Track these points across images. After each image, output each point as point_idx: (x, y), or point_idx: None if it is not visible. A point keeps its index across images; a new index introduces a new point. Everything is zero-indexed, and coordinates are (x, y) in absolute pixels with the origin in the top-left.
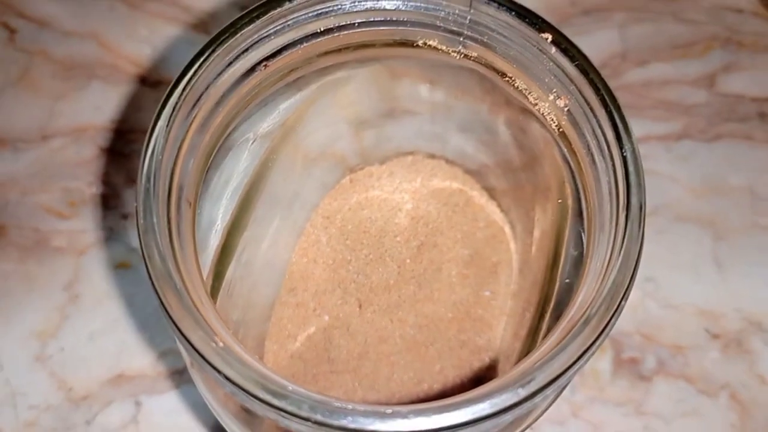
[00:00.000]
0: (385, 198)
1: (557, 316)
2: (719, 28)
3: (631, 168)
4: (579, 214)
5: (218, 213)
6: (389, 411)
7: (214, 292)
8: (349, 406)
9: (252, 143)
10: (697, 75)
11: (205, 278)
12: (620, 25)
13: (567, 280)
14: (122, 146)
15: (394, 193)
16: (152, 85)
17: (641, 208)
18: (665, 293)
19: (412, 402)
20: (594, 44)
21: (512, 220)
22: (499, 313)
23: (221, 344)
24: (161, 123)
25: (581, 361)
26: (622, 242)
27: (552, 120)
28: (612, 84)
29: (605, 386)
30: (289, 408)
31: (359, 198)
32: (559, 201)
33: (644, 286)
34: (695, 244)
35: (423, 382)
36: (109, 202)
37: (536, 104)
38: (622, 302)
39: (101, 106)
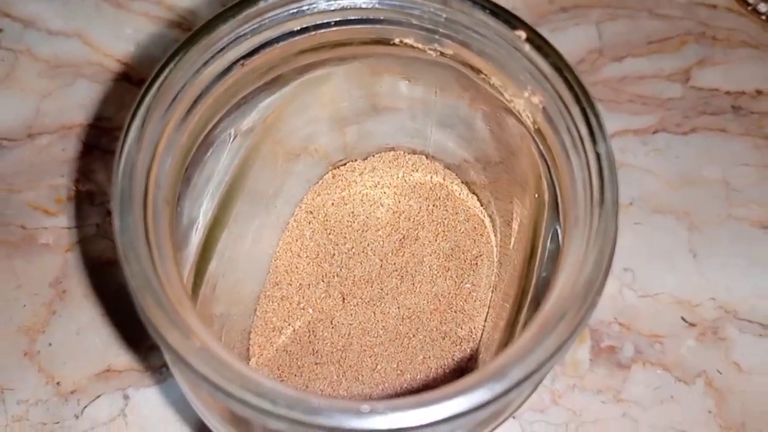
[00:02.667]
0: (367, 193)
1: (535, 309)
2: (694, 23)
3: (604, 164)
4: (555, 209)
5: (199, 210)
6: (366, 409)
7: (195, 289)
8: (326, 404)
9: (232, 141)
10: (672, 69)
11: (186, 275)
12: (597, 21)
13: (544, 274)
14: (108, 144)
15: (376, 188)
16: (138, 83)
17: (615, 204)
18: (642, 283)
19: (396, 392)
20: (571, 40)
21: (492, 213)
22: (480, 304)
23: (198, 344)
24: (136, 122)
25: (556, 356)
26: (596, 238)
27: (528, 116)
28: (589, 79)
29: (585, 374)
30: (266, 406)
31: (342, 193)
32: (536, 196)
33: (622, 277)
34: (671, 235)
35: (406, 373)
36: (95, 198)
37: (512, 101)
38: (596, 297)
39: (87, 104)
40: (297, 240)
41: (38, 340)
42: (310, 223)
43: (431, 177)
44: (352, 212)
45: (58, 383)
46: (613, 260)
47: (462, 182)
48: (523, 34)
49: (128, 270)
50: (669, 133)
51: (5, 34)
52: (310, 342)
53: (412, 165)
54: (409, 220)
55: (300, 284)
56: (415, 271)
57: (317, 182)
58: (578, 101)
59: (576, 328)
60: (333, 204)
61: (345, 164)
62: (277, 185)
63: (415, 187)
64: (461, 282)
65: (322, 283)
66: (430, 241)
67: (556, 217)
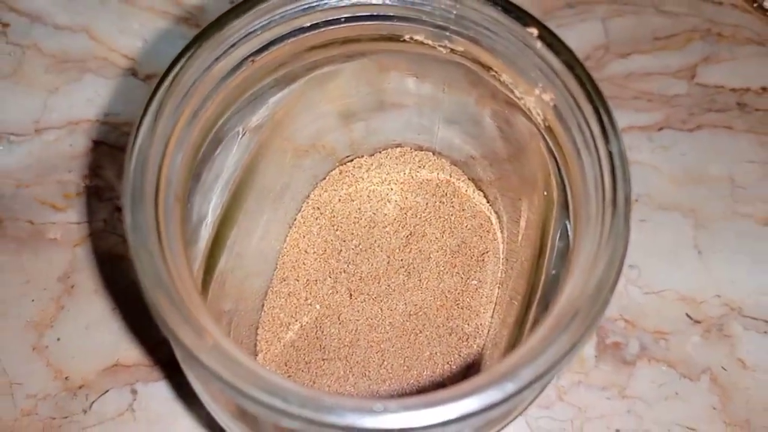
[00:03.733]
0: (374, 189)
1: (544, 307)
2: (699, 20)
3: (617, 163)
4: (565, 206)
5: (209, 206)
6: (380, 408)
7: (205, 284)
8: (339, 402)
9: (241, 137)
10: (678, 66)
11: (196, 271)
12: (603, 17)
13: (553, 271)
14: (115, 139)
15: (383, 185)
16: (144, 78)
17: (627, 204)
18: (648, 280)
19: (403, 388)
20: (577, 36)
21: (499, 210)
22: (486, 301)
23: (210, 341)
24: (148, 118)
25: (568, 357)
26: (609, 237)
27: (538, 114)
28: (595, 76)
29: (590, 370)
30: (278, 404)
31: (349, 189)
32: (545, 193)
33: (627, 273)
34: (677, 231)
35: (413, 369)
36: (103, 194)
37: (522, 98)
38: (608, 297)
39: (94, 99)
40: (304, 236)
41: (46, 334)
42: (317, 219)
43: (438, 174)
44: (359, 209)
45: (66, 378)
46: None
47: (469, 179)
48: (534, 31)
49: (140, 267)
50: (674, 130)
51: (12, 29)
52: (317, 338)
53: (419, 161)
54: (416, 216)
55: (307, 280)
56: (422, 268)
57: (324, 178)
58: (590, 99)
59: (588, 329)
60: (340, 200)
61: (352, 160)
62: (285, 181)
63: (421, 183)
64: (468, 278)
65: (329, 279)
66: (436, 238)
67: (565, 214)
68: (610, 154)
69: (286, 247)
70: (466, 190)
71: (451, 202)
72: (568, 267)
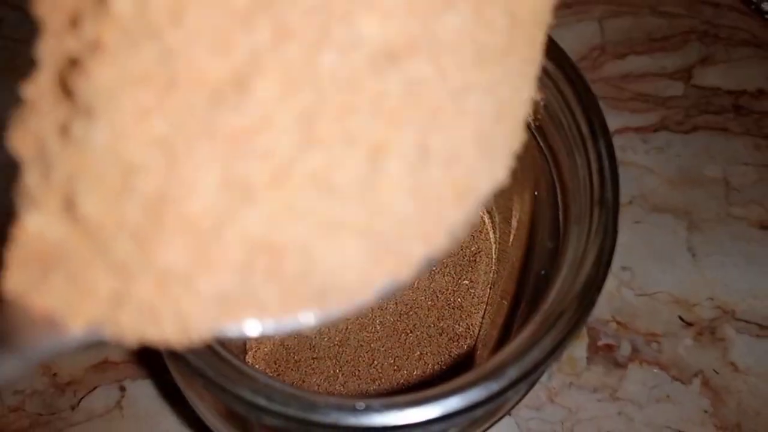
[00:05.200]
0: None
1: (533, 307)
2: (696, 21)
3: (605, 163)
4: (555, 206)
5: None
6: (362, 406)
7: None
8: (322, 401)
9: None
10: (674, 68)
11: None
12: (600, 18)
13: (543, 272)
14: None
15: None
16: None
17: (615, 202)
18: (641, 282)
19: (393, 388)
20: (573, 37)
21: (491, 210)
22: (477, 301)
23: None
24: None
25: (554, 356)
26: (596, 236)
27: (529, 113)
28: (591, 76)
29: (581, 372)
30: (261, 402)
31: None
32: (535, 193)
33: (620, 275)
34: (670, 233)
35: (403, 369)
36: None
37: None
38: (595, 296)
39: None
40: None
41: None
42: None
43: None
44: None
45: (54, 374)
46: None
47: None
48: None
49: None
50: (670, 132)
51: (5, 23)
52: (307, 336)
53: None
54: None
55: None
56: None
57: None
58: (580, 99)
59: (574, 328)
60: None
61: None
62: None
63: None
64: (459, 278)
65: None
66: None
67: (555, 215)
68: (598, 154)
69: None
70: None
71: None
72: (557, 266)
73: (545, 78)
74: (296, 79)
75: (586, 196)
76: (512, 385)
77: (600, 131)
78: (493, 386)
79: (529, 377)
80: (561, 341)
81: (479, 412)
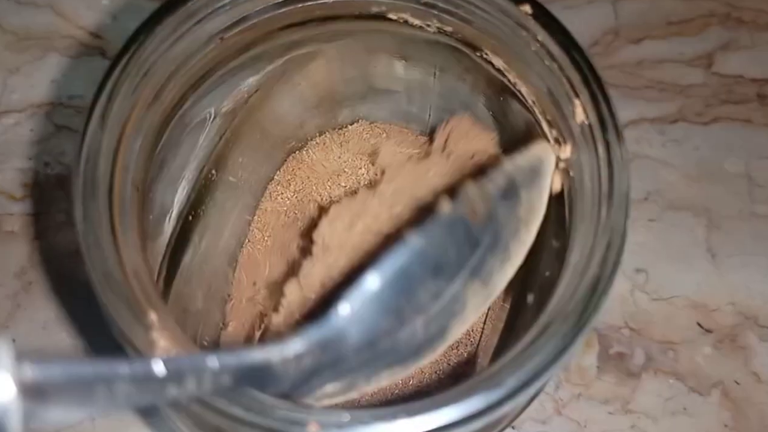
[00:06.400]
0: (357, 172)
1: (537, 311)
2: (718, 3)
3: (614, 154)
4: (561, 202)
5: (174, 197)
6: (347, 417)
7: (168, 281)
8: (304, 412)
9: (211, 121)
10: (693, 54)
11: (157, 267)
12: None
13: (547, 273)
14: (80, 123)
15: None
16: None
17: (624, 196)
18: (656, 285)
19: (388, 398)
20: (585, 20)
21: None
22: None
23: (162, 344)
24: (101, 100)
25: (557, 364)
26: (604, 233)
27: (533, 101)
28: (603, 62)
29: (591, 382)
30: (238, 413)
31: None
32: None
33: (634, 278)
34: (688, 232)
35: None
36: (65, 183)
37: (516, 83)
38: (603, 298)
39: (58, 80)
40: (262, 231)
41: (1, 334)
42: (295, 210)
43: None
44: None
45: None
46: (624, 259)
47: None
48: (528, 8)
49: (89, 262)
50: (689, 123)
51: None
52: None
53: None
54: None
55: (267, 281)
56: None
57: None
58: (587, 84)
59: (579, 333)
60: (321, 188)
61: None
62: (260, 172)
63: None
64: None
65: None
66: None
67: (561, 212)
68: (607, 144)
69: (245, 245)
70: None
71: None
72: (562, 267)
73: (550, 61)
74: None
75: (594, 189)
76: (511, 395)
77: (609, 119)
78: (491, 396)
79: (529, 386)
80: (564, 348)
81: (476, 424)
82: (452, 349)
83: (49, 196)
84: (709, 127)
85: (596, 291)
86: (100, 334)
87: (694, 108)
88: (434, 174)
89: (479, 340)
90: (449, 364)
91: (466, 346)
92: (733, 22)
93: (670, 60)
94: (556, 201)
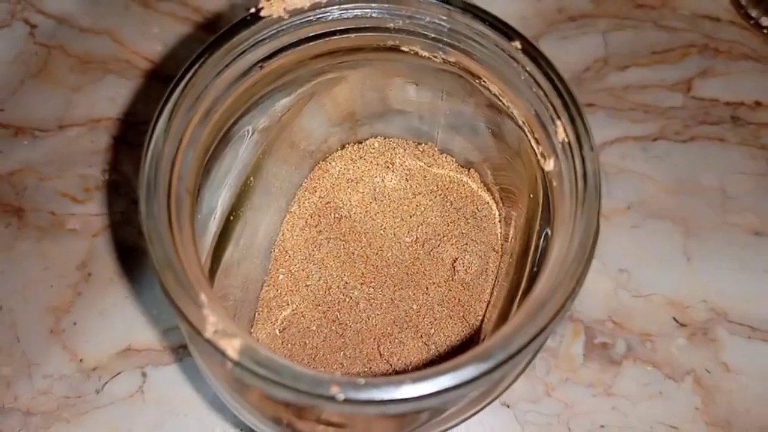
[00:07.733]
0: (374, 180)
1: (525, 299)
2: (697, 35)
3: (588, 166)
4: (548, 208)
5: (218, 201)
6: (362, 381)
7: (212, 273)
8: (327, 377)
9: (250, 137)
10: (674, 79)
11: (204, 260)
12: (604, 31)
13: (535, 269)
14: (133, 137)
15: (379, 176)
16: (163, 80)
17: (596, 199)
18: (637, 284)
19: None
20: (578, 49)
21: (500, 207)
22: (482, 293)
23: (212, 319)
24: (163, 117)
25: (536, 341)
26: (578, 230)
27: (523, 121)
28: (593, 86)
29: (577, 368)
30: (272, 377)
31: (350, 180)
32: (531, 196)
33: (617, 277)
34: (667, 238)
35: (422, 348)
36: (120, 188)
37: (509, 106)
38: (576, 287)
39: (115, 98)
40: (294, 229)
41: (63, 319)
42: (320, 214)
43: (441, 169)
44: (362, 200)
45: (81, 360)
46: (609, 261)
47: (472, 177)
48: (518, 44)
49: (153, 251)
50: (669, 141)
51: (39, 30)
52: (308, 328)
53: (423, 157)
54: (419, 207)
55: (300, 271)
56: (427, 258)
57: (327, 172)
58: (567, 108)
59: (555, 316)
60: (340, 191)
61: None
62: (290, 180)
63: (426, 176)
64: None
65: (318, 271)
66: (441, 228)
67: (547, 216)
68: (582, 158)
69: (277, 242)
70: (472, 186)
71: (455, 196)
72: (545, 262)
73: (536, 88)
74: None
75: (572, 197)
76: (499, 365)
77: (584, 137)
78: (482, 366)
79: (514, 359)
80: (542, 328)
81: (471, 389)
82: (463, 324)
83: (106, 199)
84: (687, 145)
85: (572, 280)
86: (149, 319)
87: (673, 128)
88: None
89: (480, 324)
90: (459, 337)
91: (473, 323)
92: (711, 52)
93: (653, 85)
94: (544, 208)
